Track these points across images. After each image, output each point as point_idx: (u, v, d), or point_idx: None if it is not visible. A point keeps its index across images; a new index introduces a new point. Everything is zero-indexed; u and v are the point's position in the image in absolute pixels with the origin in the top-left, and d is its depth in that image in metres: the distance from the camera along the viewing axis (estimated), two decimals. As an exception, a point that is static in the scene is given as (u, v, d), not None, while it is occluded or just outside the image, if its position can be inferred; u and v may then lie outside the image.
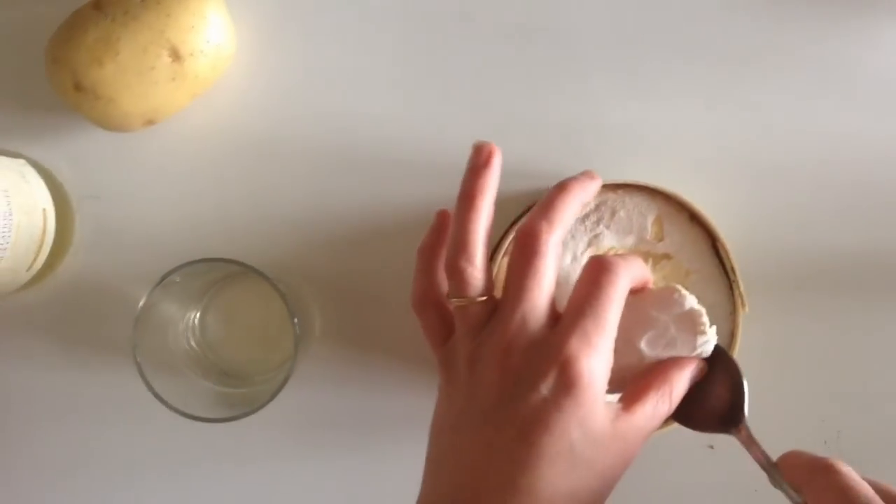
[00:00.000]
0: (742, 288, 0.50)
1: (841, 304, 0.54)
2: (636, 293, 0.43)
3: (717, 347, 0.45)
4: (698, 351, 0.45)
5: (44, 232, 0.51)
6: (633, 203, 0.51)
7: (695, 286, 0.50)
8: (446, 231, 0.43)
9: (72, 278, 0.55)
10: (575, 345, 0.37)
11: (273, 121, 0.55)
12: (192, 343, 0.55)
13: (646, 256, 0.51)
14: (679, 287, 0.46)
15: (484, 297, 0.40)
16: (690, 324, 0.47)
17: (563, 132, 0.54)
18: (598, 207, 0.51)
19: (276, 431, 0.55)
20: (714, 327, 0.46)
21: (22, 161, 0.52)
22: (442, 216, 0.44)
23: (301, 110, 0.55)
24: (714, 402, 0.45)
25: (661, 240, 0.51)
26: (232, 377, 0.55)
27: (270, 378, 0.54)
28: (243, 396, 0.53)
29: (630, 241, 0.51)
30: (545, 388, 0.37)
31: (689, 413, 0.44)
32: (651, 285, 0.45)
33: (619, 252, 0.51)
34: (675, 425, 0.50)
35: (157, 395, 0.48)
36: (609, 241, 0.51)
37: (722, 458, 0.54)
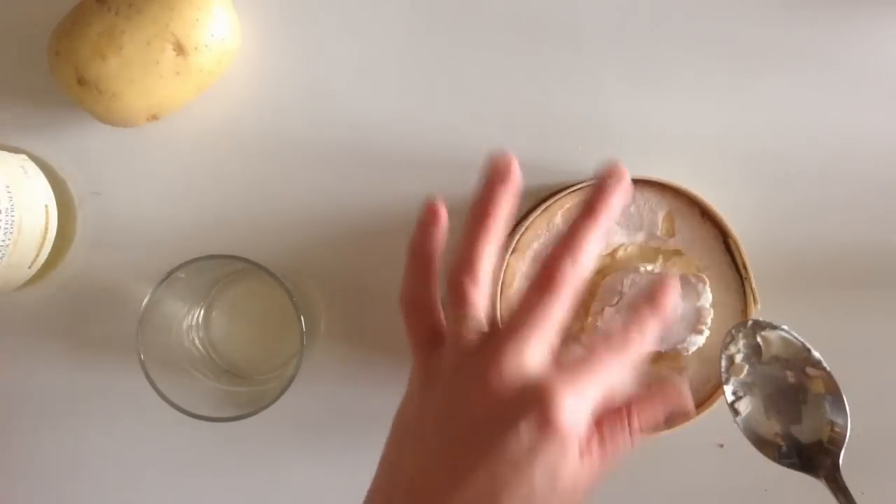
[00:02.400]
0: (754, 284, 0.49)
1: (852, 301, 0.53)
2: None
3: (821, 366, 0.43)
4: (684, 345, 0.45)
5: (46, 228, 0.51)
6: (643, 199, 0.50)
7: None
8: (438, 226, 0.41)
9: (74, 275, 0.54)
10: (565, 393, 0.37)
11: (279, 116, 0.54)
12: (196, 341, 0.54)
13: (656, 253, 0.50)
14: (702, 276, 0.47)
15: (482, 318, 0.40)
16: (694, 319, 0.47)
17: (574, 127, 0.54)
18: (608, 203, 0.50)
19: (282, 429, 0.54)
20: (708, 332, 0.46)
21: (24, 156, 0.52)
22: (431, 210, 0.41)
23: (307, 105, 0.54)
24: (803, 434, 0.44)
25: (671, 236, 0.50)
26: (236, 375, 0.55)
27: (275, 376, 0.54)
28: (248, 395, 0.52)
29: (640, 237, 0.51)
30: (524, 426, 0.37)
31: (763, 438, 0.43)
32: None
33: (629, 248, 0.50)
34: (681, 426, 0.50)
35: (161, 395, 0.47)
36: (619, 238, 0.50)
37: (732, 457, 0.53)
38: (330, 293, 0.54)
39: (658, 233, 0.50)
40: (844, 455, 0.52)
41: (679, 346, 0.48)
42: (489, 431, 0.37)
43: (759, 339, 0.44)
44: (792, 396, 0.44)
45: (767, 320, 0.44)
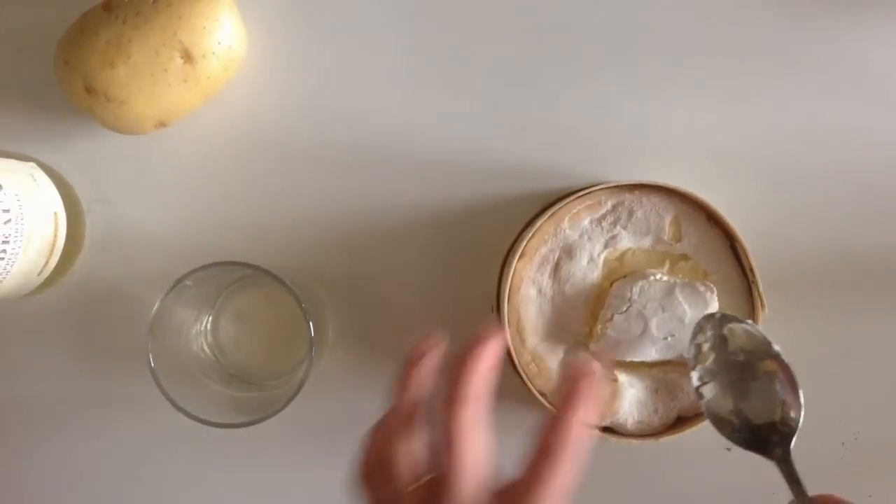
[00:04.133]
0: (761, 289, 0.49)
1: (859, 304, 0.53)
2: None
3: (779, 359, 0.45)
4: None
5: (55, 236, 0.51)
6: (650, 203, 0.50)
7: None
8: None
9: (82, 283, 0.55)
10: None
11: (285, 121, 0.54)
12: (206, 347, 0.54)
13: (663, 257, 0.50)
14: (710, 284, 0.48)
15: (415, 483, 0.40)
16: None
17: (578, 131, 0.54)
18: (614, 208, 0.50)
19: (291, 435, 0.54)
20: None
21: (32, 164, 0.52)
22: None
23: (313, 111, 0.54)
24: (756, 415, 0.45)
25: (678, 240, 0.50)
26: (245, 381, 0.55)
27: (283, 382, 0.54)
28: (257, 401, 0.52)
29: (647, 241, 0.51)
30: None
31: (721, 417, 0.45)
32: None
33: (636, 253, 0.50)
34: (688, 431, 0.50)
35: (171, 401, 0.47)
36: (626, 242, 0.50)
37: (739, 461, 0.53)
38: (338, 298, 0.55)
39: (665, 237, 0.50)
40: (857, 457, 0.52)
41: (686, 355, 0.48)
42: None
43: (725, 331, 0.47)
44: (750, 381, 0.46)
45: (733, 314, 0.47)
